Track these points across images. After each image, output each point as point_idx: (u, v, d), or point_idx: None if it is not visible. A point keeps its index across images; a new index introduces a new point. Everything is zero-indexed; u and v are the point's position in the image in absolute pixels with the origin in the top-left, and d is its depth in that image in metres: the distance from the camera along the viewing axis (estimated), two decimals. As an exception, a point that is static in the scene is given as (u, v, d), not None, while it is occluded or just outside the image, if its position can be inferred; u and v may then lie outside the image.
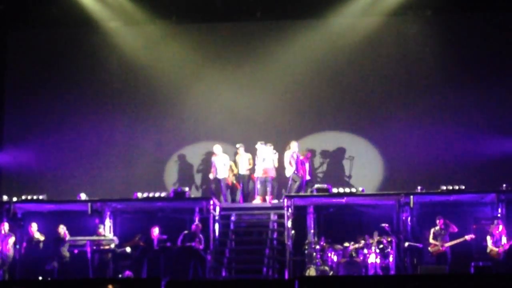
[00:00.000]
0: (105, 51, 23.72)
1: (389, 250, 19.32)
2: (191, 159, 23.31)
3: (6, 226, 20.23)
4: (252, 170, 22.08)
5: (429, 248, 19.78)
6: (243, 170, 22.25)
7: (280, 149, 21.89)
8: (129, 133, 23.43)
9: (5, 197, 21.22)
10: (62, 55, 23.75)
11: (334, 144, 23.01)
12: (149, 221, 21.03)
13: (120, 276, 19.59)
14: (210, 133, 23.23)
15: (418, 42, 23.18)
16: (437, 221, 19.85)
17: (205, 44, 23.59)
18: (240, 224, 21.39)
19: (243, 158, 22.29)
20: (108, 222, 21.01)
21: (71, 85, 23.64)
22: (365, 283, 16.40)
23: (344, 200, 20.77)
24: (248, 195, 22.24)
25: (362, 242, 19.50)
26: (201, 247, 19.93)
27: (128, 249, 20.14)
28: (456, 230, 19.76)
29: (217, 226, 20.91)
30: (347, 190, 20.77)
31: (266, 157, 21.68)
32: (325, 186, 20.77)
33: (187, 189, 21.20)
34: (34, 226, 20.43)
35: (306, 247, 20.06)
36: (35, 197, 20.92)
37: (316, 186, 21.01)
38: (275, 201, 21.62)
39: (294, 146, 21.73)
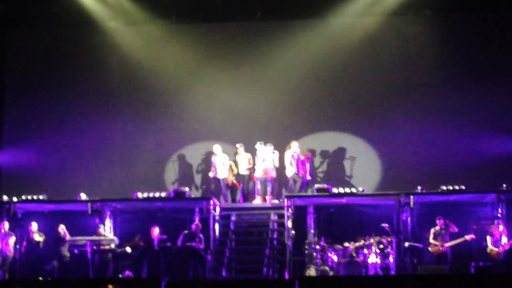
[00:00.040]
0: (105, 51, 23.71)
1: (389, 250, 19.32)
2: (191, 159, 23.30)
3: (6, 225, 20.25)
4: (252, 170, 22.09)
5: (429, 248, 19.77)
6: (243, 170, 22.26)
7: (280, 149, 21.88)
8: (129, 133, 23.43)
9: (5, 197, 21.22)
10: (62, 55, 23.75)
11: (334, 144, 23.01)
12: (149, 221, 21.01)
13: (120, 276, 19.58)
14: (210, 133, 23.21)
15: (418, 42, 23.16)
16: (437, 221, 19.84)
17: (205, 44, 23.58)
18: (240, 224, 21.38)
19: (243, 158, 22.29)
20: (108, 222, 21.02)
21: (71, 85, 23.64)
22: (365, 283, 16.38)
23: (344, 200, 20.77)
24: (248, 195, 22.24)
25: (362, 242, 19.50)
26: (201, 247, 19.92)
27: (128, 249, 20.12)
28: (456, 230, 19.75)
29: (217, 226, 20.90)
30: (347, 190, 20.77)
31: (266, 157, 21.69)
32: (325, 186, 20.77)
33: (187, 189, 21.20)
34: (34, 226, 20.42)
35: (306, 247, 20.04)
36: (35, 197, 20.93)
37: (316, 186, 21.01)
38: (275, 201, 21.63)
39: (294, 146, 21.72)
